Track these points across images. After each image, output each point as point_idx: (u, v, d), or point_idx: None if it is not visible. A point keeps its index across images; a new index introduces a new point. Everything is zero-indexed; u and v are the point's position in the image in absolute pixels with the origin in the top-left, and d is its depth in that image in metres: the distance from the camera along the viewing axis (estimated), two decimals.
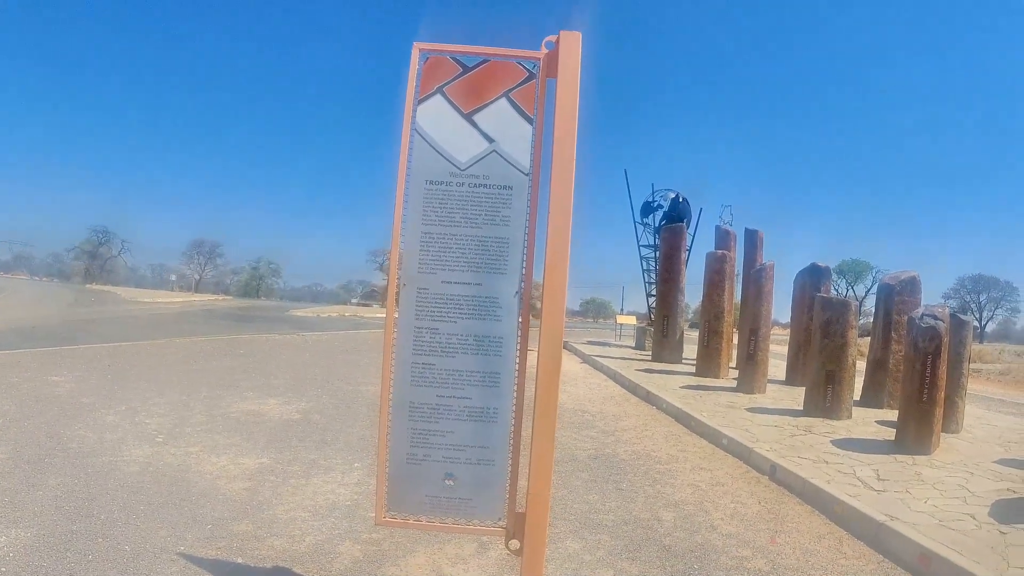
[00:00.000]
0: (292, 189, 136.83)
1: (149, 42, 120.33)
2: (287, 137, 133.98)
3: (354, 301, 76.90)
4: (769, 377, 11.48)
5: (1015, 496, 5.41)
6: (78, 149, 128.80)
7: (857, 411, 9.13)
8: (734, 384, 11.52)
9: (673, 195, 20.25)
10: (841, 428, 8.02)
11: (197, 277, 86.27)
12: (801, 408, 9.10)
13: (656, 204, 20.54)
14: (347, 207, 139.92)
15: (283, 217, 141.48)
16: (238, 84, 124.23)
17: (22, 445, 5.56)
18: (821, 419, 8.51)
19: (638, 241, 21.04)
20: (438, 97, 3.01)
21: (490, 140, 2.98)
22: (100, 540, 3.78)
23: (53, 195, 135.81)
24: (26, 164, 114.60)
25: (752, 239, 14.50)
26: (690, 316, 27.65)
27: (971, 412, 9.50)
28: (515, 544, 2.94)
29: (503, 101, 3.00)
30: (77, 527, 3.93)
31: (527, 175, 2.97)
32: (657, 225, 19.96)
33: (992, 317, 71.93)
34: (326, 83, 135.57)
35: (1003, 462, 6.65)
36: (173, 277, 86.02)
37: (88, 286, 62.04)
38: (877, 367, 10.01)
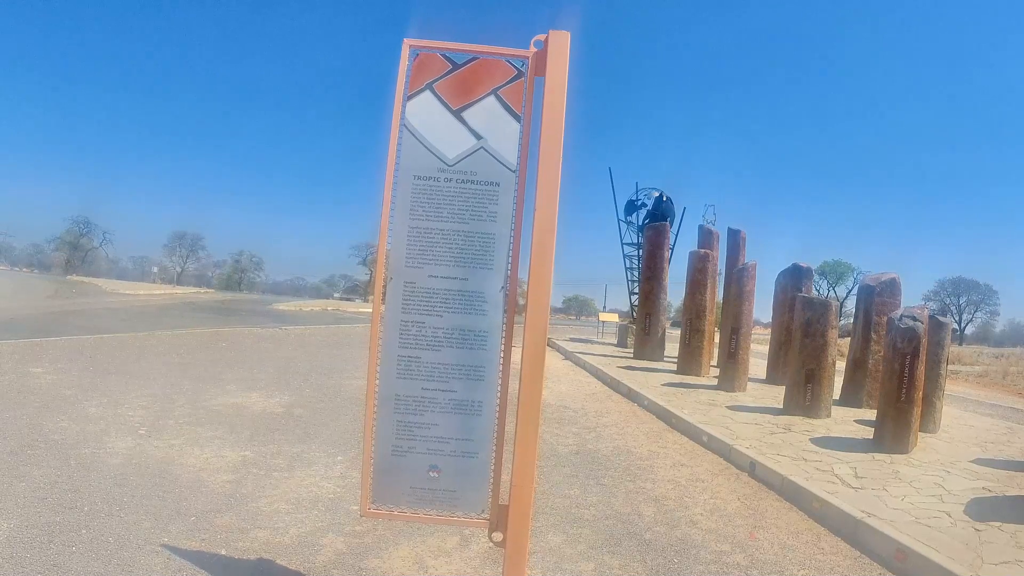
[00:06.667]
0: (275, 183, 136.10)
1: (132, 35, 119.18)
2: (271, 130, 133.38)
3: (336, 295, 76.57)
4: (750, 376, 11.61)
5: (990, 495, 5.52)
6: (59, 139, 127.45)
7: (836, 410, 9.24)
8: (715, 382, 11.61)
9: (657, 194, 20.40)
10: (820, 426, 8.13)
11: (179, 270, 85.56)
12: (781, 406, 9.19)
13: (640, 202, 20.67)
14: (330, 202, 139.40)
15: (266, 211, 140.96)
16: (222, 77, 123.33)
17: (4, 436, 5.51)
18: (801, 417, 8.61)
19: (621, 239, 21.15)
20: (427, 93, 3.04)
21: (478, 137, 3.01)
22: (83, 531, 3.77)
23: (33, 185, 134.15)
24: (5, 154, 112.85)
25: (735, 238, 14.58)
26: (672, 314, 27.79)
27: (949, 412, 9.65)
28: (498, 536, 2.97)
29: (491, 99, 3.03)
30: (60, 518, 3.92)
31: (514, 172, 3.00)
32: (641, 223, 20.07)
33: (972, 320, 72.70)
34: (312, 77, 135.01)
35: (979, 461, 6.78)
36: (155, 269, 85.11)
37: (69, 278, 61.21)
38: (856, 367, 10.14)
